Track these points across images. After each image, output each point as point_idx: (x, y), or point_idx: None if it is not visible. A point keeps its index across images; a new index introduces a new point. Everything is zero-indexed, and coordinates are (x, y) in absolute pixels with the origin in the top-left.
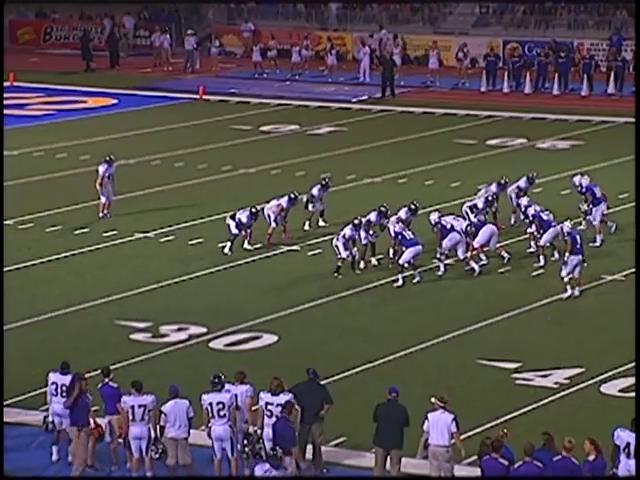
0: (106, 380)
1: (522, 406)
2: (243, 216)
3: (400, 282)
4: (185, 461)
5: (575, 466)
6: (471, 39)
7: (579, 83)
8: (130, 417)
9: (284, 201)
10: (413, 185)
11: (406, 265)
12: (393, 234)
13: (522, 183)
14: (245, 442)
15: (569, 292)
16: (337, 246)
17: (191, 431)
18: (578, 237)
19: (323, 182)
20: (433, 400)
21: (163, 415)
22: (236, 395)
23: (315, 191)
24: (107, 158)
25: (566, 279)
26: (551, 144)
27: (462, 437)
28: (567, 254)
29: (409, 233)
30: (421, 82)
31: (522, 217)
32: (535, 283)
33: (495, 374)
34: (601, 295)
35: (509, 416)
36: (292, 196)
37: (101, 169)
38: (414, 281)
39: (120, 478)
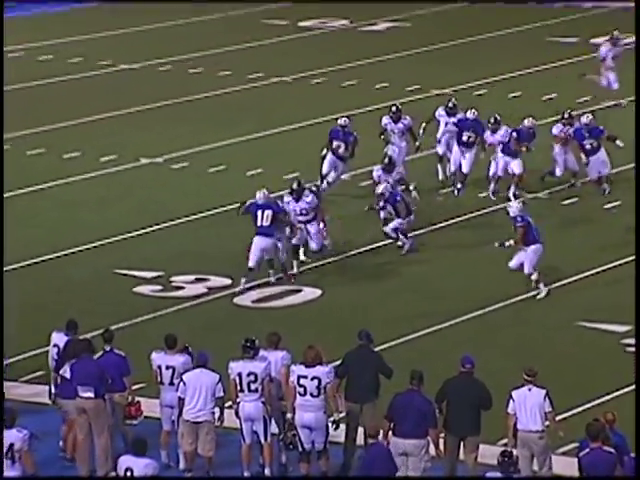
0: (107, 347)
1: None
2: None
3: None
4: (206, 451)
5: (610, 456)
6: None
7: None
8: (158, 379)
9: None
10: (494, 98)
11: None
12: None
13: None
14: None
15: (543, 292)
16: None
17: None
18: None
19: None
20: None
21: (182, 384)
22: (270, 363)
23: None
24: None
25: (535, 276)
26: None
27: (558, 418)
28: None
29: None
30: None
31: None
32: None
33: (600, 338)
34: None
35: (619, 392)
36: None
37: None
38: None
39: (116, 478)
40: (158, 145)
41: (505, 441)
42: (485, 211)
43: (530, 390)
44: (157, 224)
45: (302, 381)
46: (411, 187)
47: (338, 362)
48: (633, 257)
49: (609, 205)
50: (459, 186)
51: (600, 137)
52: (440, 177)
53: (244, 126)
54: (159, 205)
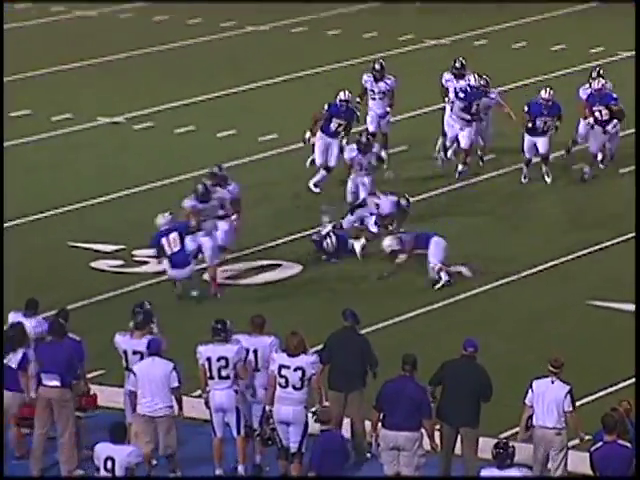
0: None
1: None
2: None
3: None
4: (167, 449)
5: (626, 450)
6: None
7: None
8: (124, 365)
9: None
10: (495, 49)
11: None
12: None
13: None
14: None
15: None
16: None
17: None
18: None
19: None
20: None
21: (132, 376)
22: (256, 351)
23: None
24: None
25: (437, 268)
26: None
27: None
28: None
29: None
30: None
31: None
32: None
33: (613, 318)
34: None
35: (635, 379)
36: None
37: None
38: None
39: (88, 477)
40: (118, 102)
41: (506, 435)
42: (482, 178)
43: (553, 383)
44: (117, 191)
45: (284, 371)
46: (385, 167)
47: (321, 347)
48: None
49: (622, 170)
50: (460, 168)
51: (609, 104)
52: (437, 147)
53: (215, 81)
54: (120, 170)
